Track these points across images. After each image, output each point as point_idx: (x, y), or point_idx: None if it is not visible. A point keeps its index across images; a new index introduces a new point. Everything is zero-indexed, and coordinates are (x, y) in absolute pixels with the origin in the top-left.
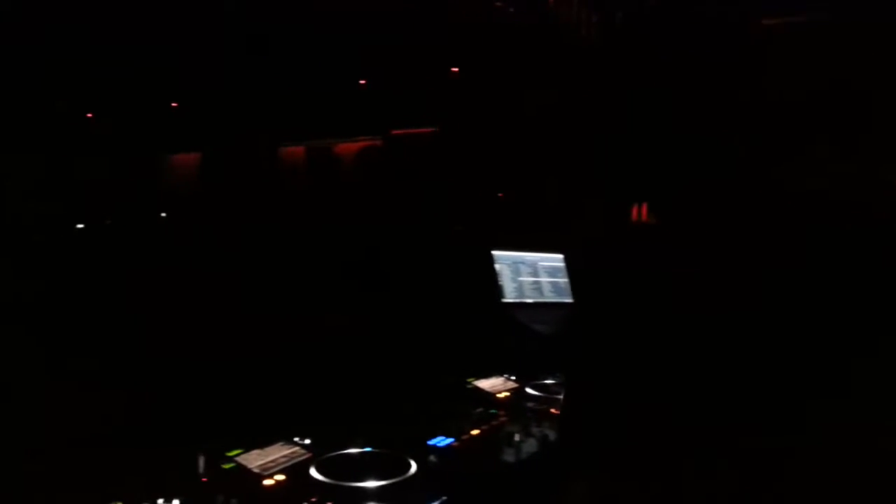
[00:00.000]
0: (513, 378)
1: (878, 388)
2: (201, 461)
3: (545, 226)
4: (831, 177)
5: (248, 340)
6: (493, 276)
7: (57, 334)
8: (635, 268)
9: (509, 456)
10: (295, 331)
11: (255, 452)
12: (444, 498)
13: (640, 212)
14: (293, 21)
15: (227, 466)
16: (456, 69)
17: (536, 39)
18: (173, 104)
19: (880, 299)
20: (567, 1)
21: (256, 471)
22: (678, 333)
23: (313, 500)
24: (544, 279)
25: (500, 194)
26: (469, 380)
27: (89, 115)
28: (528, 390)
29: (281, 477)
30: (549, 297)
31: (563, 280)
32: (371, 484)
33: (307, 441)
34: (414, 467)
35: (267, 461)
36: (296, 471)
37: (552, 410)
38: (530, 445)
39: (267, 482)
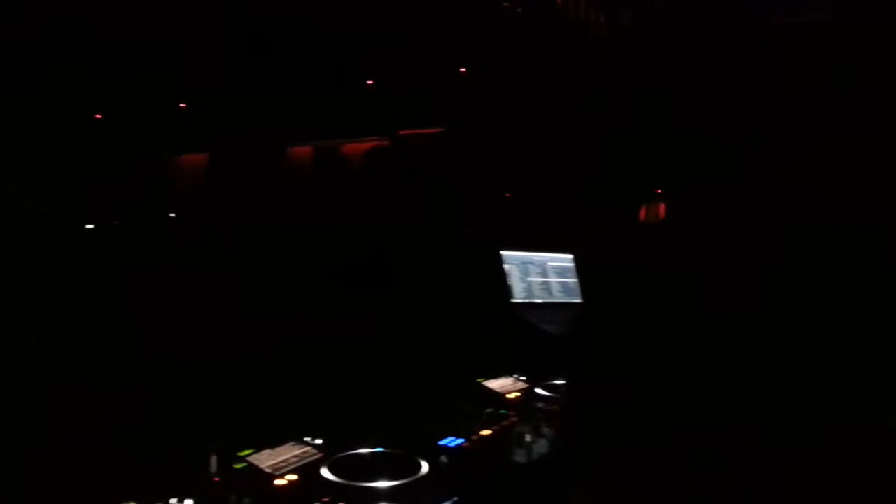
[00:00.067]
0: (522, 378)
1: (881, 387)
2: (213, 461)
3: (554, 226)
4: (831, 177)
5: (259, 340)
6: (502, 276)
7: (64, 334)
8: (641, 268)
9: (520, 457)
10: (303, 331)
11: (266, 452)
12: (456, 498)
13: (649, 212)
14: (301, 22)
15: (238, 466)
16: (464, 69)
17: (544, 40)
18: (182, 105)
19: (881, 299)
20: (575, 1)
21: (268, 471)
22: (682, 333)
23: (325, 500)
24: (553, 279)
25: (507, 194)
26: (478, 380)
27: (98, 115)
28: (539, 391)
29: (293, 477)
30: (559, 298)
31: (573, 280)
32: (383, 484)
33: (318, 441)
34: (425, 467)
35: (278, 461)
36: (307, 471)
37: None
38: (541, 446)
39: (279, 482)
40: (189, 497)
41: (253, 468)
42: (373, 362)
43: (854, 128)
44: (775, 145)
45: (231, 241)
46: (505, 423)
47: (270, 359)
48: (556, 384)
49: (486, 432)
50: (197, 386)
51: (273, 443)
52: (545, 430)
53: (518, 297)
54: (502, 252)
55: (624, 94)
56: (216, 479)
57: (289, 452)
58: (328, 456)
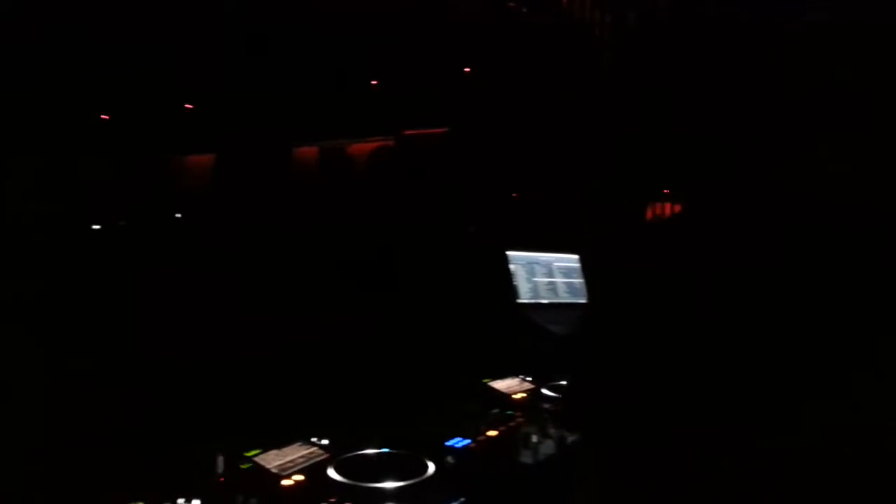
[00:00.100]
0: (528, 379)
1: (881, 387)
2: (220, 461)
3: (560, 226)
4: (831, 177)
5: (265, 341)
6: (508, 276)
7: (69, 335)
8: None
9: (526, 457)
10: (309, 331)
11: (273, 453)
12: (462, 499)
13: (656, 211)
14: (306, 23)
15: (245, 466)
16: (468, 70)
17: (550, 40)
18: (187, 106)
19: (881, 300)
20: (580, 1)
21: (275, 471)
22: (684, 334)
23: (332, 500)
24: (559, 280)
25: (514, 195)
26: (484, 381)
27: (104, 116)
28: (545, 391)
29: (299, 477)
30: (565, 298)
31: (579, 280)
32: (389, 484)
33: (325, 441)
34: (432, 468)
35: (285, 461)
36: (314, 471)
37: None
38: (548, 447)
39: (286, 482)
40: (196, 497)
41: (260, 468)
42: (379, 363)
43: (854, 128)
44: (776, 145)
45: (237, 241)
46: (511, 423)
47: (277, 359)
48: (562, 385)
49: (492, 433)
50: (204, 386)
51: (280, 443)
52: (552, 431)
53: (524, 298)
54: (508, 252)
55: (629, 94)
56: (223, 479)
57: (295, 453)
58: (335, 456)
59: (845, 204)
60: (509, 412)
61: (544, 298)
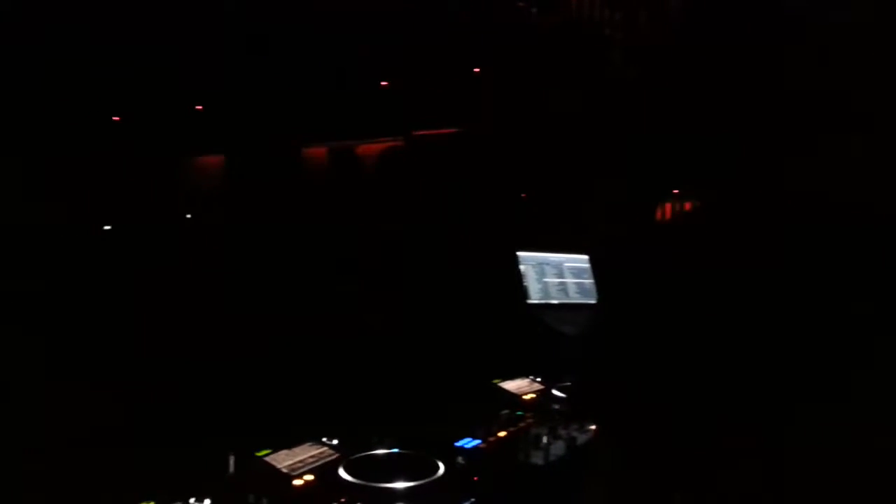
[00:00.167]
0: (538, 380)
1: (876, 388)
2: (231, 461)
3: (570, 226)
4: (833, 177)
5: (275, 341)
6: (519, 277)
7: (78, 335)
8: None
9: (537, 458)
10: (318, 331)
11: (283, 452)
12: (473, 500)
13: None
14: (316, 23)
15: (256, 467)
16: (478, 70)
17: (560, 39)
18: (198, 107)
19: (881, 300)
20: (590, 1)
21: (285, 471)
22: (686, 333)
23: (342, 500)
24: (570, 280)
25: (523, 195)
26: (494, 381)
27: (116, 118)
28: (555, 392)
29: (310, 477)
30: (575, 298)
31: (589, 281)
32: (400, 485)
33: (335, 441)
34: (442, 468)
35: (295, 461)
36: (324, 471)
37: (579, 414)
38: (558, 448)
39: (296, 482)
40: (207, 497)
41: (271, 468)
42: (389, 363)
43: (855, 128)
44: (780, 146)
45: (248, 241)
46: (521, 424)
47: (286, 360)
48: (572, 386)
49: (502, 434)
50: (215, 386)
51: (290, 443)
52: (562, 432)
53: (534, 298)
54: (518, 253)
55: (639, 93)
56: (234, 479)
57: (306, 453)
58: (345, 456)
59: (847, 204)
60: (519, 413)
61: (555, 299)
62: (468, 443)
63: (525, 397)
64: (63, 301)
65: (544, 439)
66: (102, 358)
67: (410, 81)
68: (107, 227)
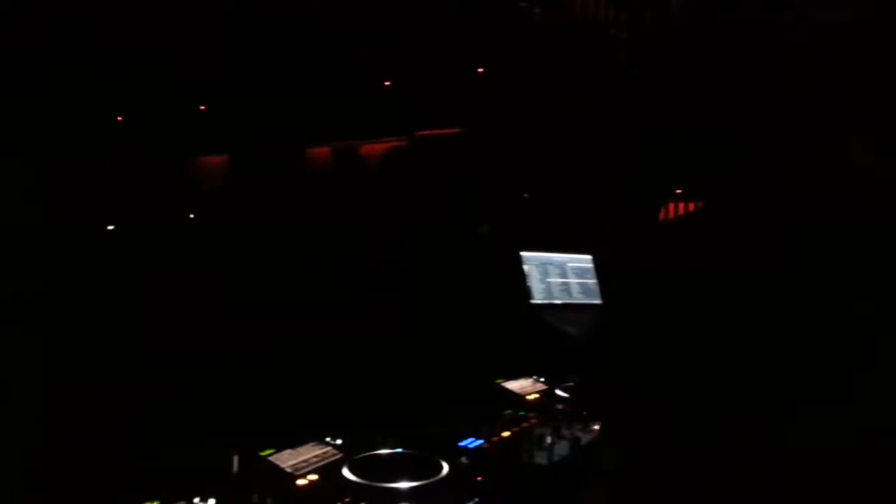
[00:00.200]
0: (541, 380)
1: (878, 388)
2: (235, 461)
3: (572, 226)
4: (834, 177)
5: (279, 341)
6: (522, 277)
7: (83, 334)
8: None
9: (541, 458)
10: (322, 331)
11: (287, 452)
12: (476, 499)
13: (669, 211)
14: (320, 24)
15: (260, 466)
16: (481, 70)
17: (563, 39)
18: (201, 107)
19: (881, 301)
20: (595, 1)
21: (289, 471)
22: (688, 333)
23: (346, 500)
24: (573, 280)
25: (525, 195)
26: (498, 381)
27: (119, 118)
28: (558, 392)
29: (314, 477)
30: (578, 299)
31: (592, 281)
32: (404, 485)
33: (339, 441)
34: (446, 468)
35: (299, 461)
36: (328, 471)
37: (583, 412)
38: (562, 448)
39: (300, 482)
40: (212, 496)
41: (274, 468)
42: (392, 363)
43: (856, 128)
44: (782, 146)
45: (251, 240)
46: (525, 424)
47: (290, 359)
48: (575, 385)
49: (506, 434)
50: (218, 386)
51: (294, 443)
52: (565, 432)
53: (537, 298)
54: (522, 253)
55: (643, 93)
56: (238, 478)
57: (310, 452)
58: (349, 456)
59: (850, 205)
60: (522, 413)
61: (558, 299)
62: (472, 443)
63: (528, 397)
64: (67, 301)
65: (548, 439)
66: (106, 358)
67: (414, 81)
68: (110, 227)
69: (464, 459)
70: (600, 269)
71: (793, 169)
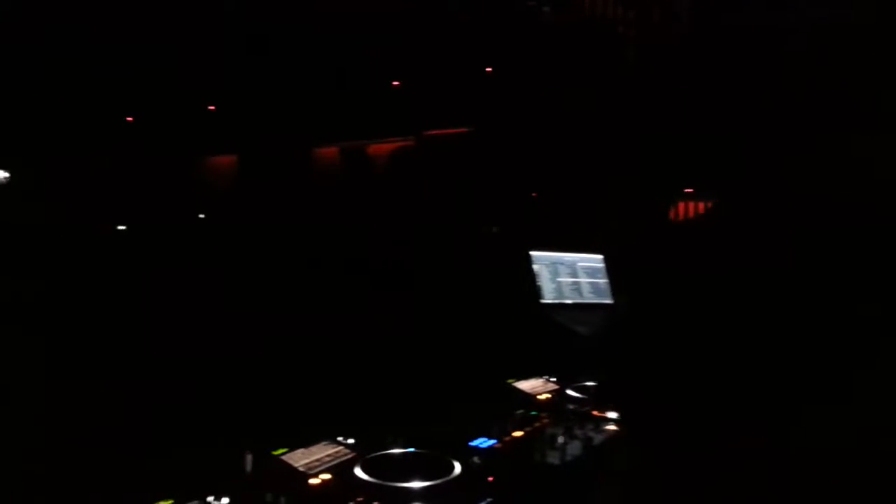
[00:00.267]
0: (552, 380)
1: (882, 389)
2: (248, 460)
3: (582, 225)
4: (835, 178)
5: (289, 340)
6: (532, 276)
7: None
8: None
9: (553, 458)
10: (334, 330)
11: (299, 451)
12: (489, 499)
13: (679, 210)
14: (328, 24)
15: (273, 465)
16: (490, 69)
17: (572, 38)
18: (210, 108)
19: (887, 301)
20: None
21: (302, 470)
22: (695, 333)
23: (359, 499)
24: (583, 280)
25: (533, 194)
26: (509, 381)
27: (129, 118)
28: (569, 392)
29: (326, 476)
30: (589, 298)
31: (603, 280)
32: (416, 484)
33: (351, 441)
34: (458, 468)
35: (312, 460)
36: (341, 470)
37: (594, 413)
38: (574, 448)
39: (313, 481)
40: (225, 495)
41: (287, 467)
42: (403, 363)
43: (859, 127)
44: (785, 146)
45: (260, 240)
46: (536, 424)
47: (301, 359)
48: (586, 385)
49: (517, 434)
50: (231, 385)
51: (306, 442)
52: (577, 432)
53: (548, 298)
54: (532, 252)
55: (652, 91)
56: (251, 477)
57: (322, 452)
58: (361, 456)
59: (853, 205)
60: (534, 413)
61: (568, 299)
62: (483, 442)
63: (539, 397)
64: (78, 301)
65: (560, 439)
66: (118, 358)
67: (421, 81)
68: (121, 227)
69: (476, 459)
70: (611, 269)
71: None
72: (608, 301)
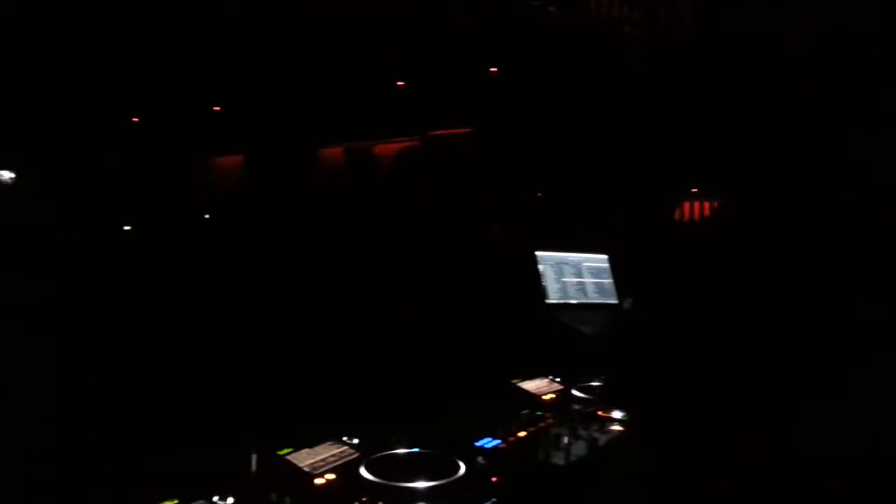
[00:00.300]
0: (557, 380)
1: (884, 390)
2: (254, 460)
3: (586, 225)
4: (837, 179)
5: (295, 340)
6: (537, 276)
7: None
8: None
9: (558, 458)
10: (337, 330)
11: (304, 451)
12: (494, 500)
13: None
14: (333, 24)
15: (278, 465)
16: (494, 69)
17: (577, 37)
18: (216, 108)
19: (889, 301)
20: None
21: (307, 469)
22: (700, 334)
23: (364, 499)
24: (588, 280)
25: (538, 194)
26: (513, 381)
27: (135, 119)
28: (574, 392)
29: (331, 476)
30: (594, 298)
31: (608, 281)
32: (421, 484)
33: (356, 441)
34: (463, 468)
35: (317, 460)
36: (346, 470)
37: (599, 413)
38: (579, 448)
39: (318, 481)
40: (230, 495)
41: (292, 467)
42: (407, 363)
43: (860, 127)
44: (787, 146)
45: (265, 241)
46: (541, 424)
47: (305, 359)
48: (591, 386)
49: (522, 434)
50: (237, 385)
51: (311, 442)
52: (582, 432)
53: (553, 298)
54: (537, 252)
55: (657, 91)
56: (256, 477)
57: (327, 452)
58: (366, 456)
59: (850, 207)
60: (539, 413)
61: (573, 299)
62: (488, 443)
63: (544, 397)
64: (85, 301)
65: (565, 439)
66: (125, 358)
67: (426, 81)
68: (127, 228)
69: (480, 459)
70: (616, 269)
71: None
72: (613, 301)
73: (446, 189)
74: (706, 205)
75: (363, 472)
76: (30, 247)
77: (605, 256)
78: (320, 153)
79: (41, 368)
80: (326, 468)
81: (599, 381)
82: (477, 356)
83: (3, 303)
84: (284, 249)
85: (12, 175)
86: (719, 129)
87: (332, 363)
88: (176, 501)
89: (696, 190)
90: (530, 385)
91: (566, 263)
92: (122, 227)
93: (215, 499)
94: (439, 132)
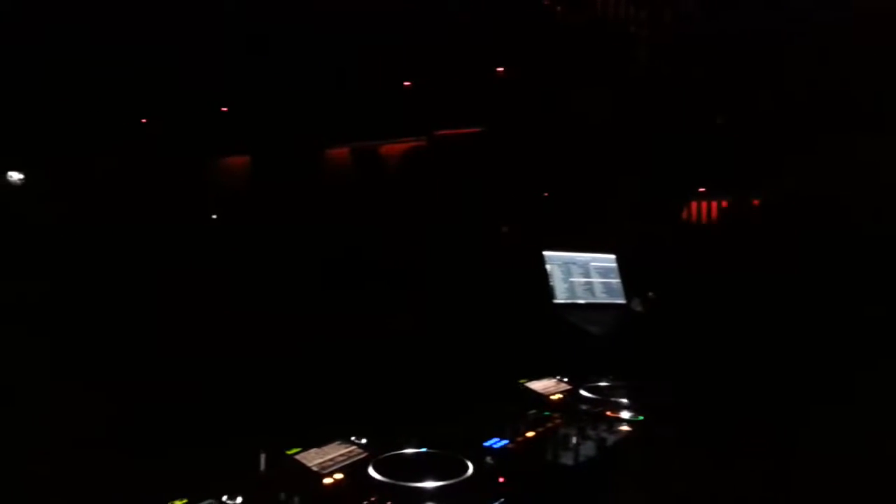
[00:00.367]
0: (565, 380)
1: (887, 391)
2: (262, 459)
3: (594, 225)
4: (841, 181)
5: (303, 341)
6: (545, 276)
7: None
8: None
9: (566, 458)
10: (346, 330)
11: (313, 451)
12: (502, 500)
13: (692, 210)
14: (339, 24)
15: (286, 465)
16: (501, 69)
17: (584, 38)
18: (223, 109)
19: (889, 304)
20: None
21: (315, 469)
22: (705, 334)
23: (372, 499)
24: (596, 280)
25: (545, 194)
26: (521, 381)
27: (143, 120)
28: (582, 392)
29: (340, 475)
30: (602, 298)
31: (616, 280)
32: (430, 484)
33: (364, 440)
34: (471, 468)
35: (325, 460)
36: (354, 470)
37: (607, 413)
38: (587, 448)
39: (326, 480)
40: (239, 494)
41: (301, 466)
42: (416, 363)
43: (862, 130)
44: (791, 148)
45: (272, 241)
46: (549, 424)
47: (314, 359)
48: (600, 386)
49: (530, 434)
50: (246, 385)
51: (320, 442)
52: (591, 433)
53: (560, 298)
54: (545, 252)
55: (664, 91)
56: (265, 476)
57: (335, 451)
58: (374, 455)
59: (852, 208)
60: (547, 413)
61: (581, 298)
62: (496, 443)
63: (552, 397)
64: (92, 301)
65: (573, 439)
66: (135, 358)
67: (433, 81)
68: (135, 227)
69: (489, 459)
70: (624, 268)
71: (802, 171)
72: (621, 301)
73: (453, 189)
74: (713, 204)
75: (371, 471)
76: (37, 247)
77: (612, 256)
78: (327, 153)
79: (49, 368)
80: (335, 468)
81: (607, 381)
82: (484, 356)
83: (21, 302)
84: (291, 249)
85: (21, 176)
86: (718, 129)
87: (341, 363)
88: (185, 501)
89: (703, 189)
90: (538, 385)
91: (574, 263)
92: (129, 227)
93: (224, 498)
94: (446, 132)
